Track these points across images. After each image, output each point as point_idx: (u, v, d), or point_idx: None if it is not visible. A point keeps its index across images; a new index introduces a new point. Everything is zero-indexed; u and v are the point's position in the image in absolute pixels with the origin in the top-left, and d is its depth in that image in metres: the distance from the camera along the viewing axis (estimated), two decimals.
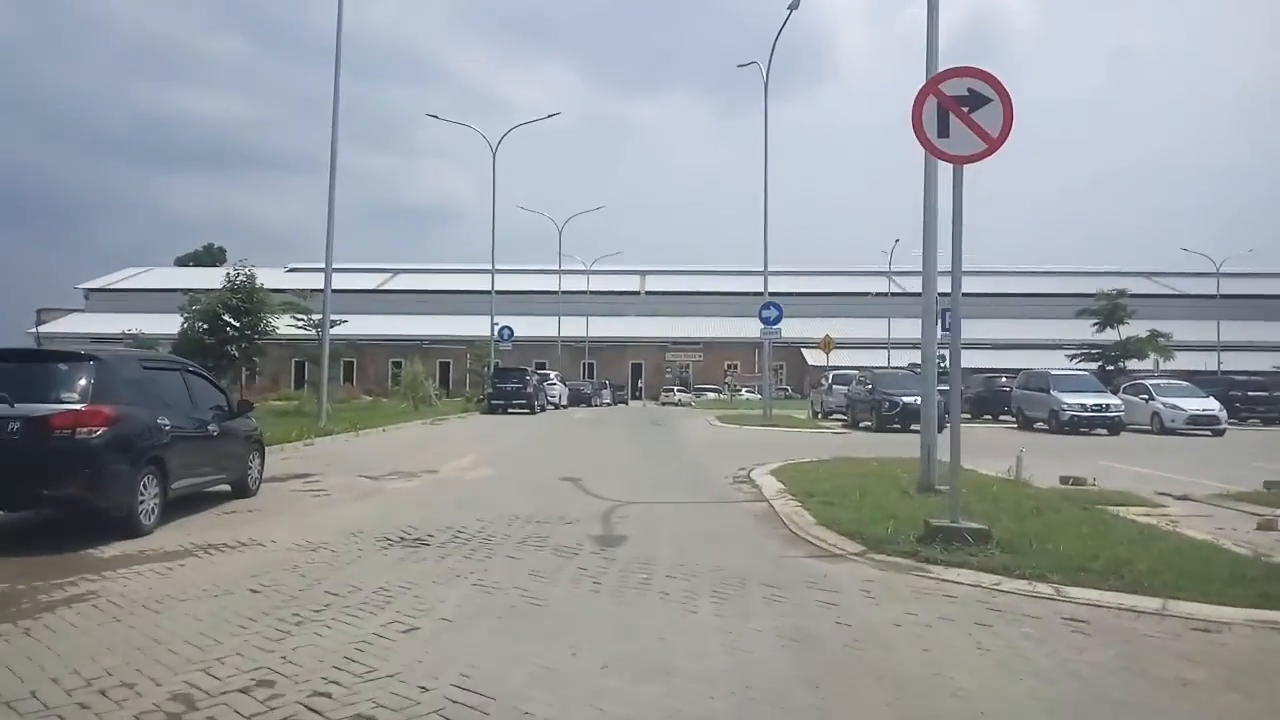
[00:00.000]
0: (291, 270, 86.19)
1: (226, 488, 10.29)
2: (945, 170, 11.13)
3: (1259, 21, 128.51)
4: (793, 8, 27.96)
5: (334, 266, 77.39)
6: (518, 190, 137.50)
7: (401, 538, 7.90)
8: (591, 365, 70.87)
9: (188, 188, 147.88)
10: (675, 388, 64.34)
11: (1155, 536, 7.51)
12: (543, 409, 36.73)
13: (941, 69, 7.90)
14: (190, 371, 9.61)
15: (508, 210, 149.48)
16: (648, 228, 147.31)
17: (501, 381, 34.88)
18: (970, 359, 34.44)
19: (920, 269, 11.10)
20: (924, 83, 7.58)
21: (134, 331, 54.50)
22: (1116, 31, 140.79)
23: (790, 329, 73.17)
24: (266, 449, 16.22)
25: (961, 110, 7.38)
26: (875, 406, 24.16)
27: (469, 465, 14.33)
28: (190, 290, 55.25)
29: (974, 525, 7.14)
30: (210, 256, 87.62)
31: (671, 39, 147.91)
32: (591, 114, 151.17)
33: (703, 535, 8.11)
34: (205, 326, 19.76)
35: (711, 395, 64.30)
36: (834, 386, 30.50)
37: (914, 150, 8.46)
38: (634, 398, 69.62)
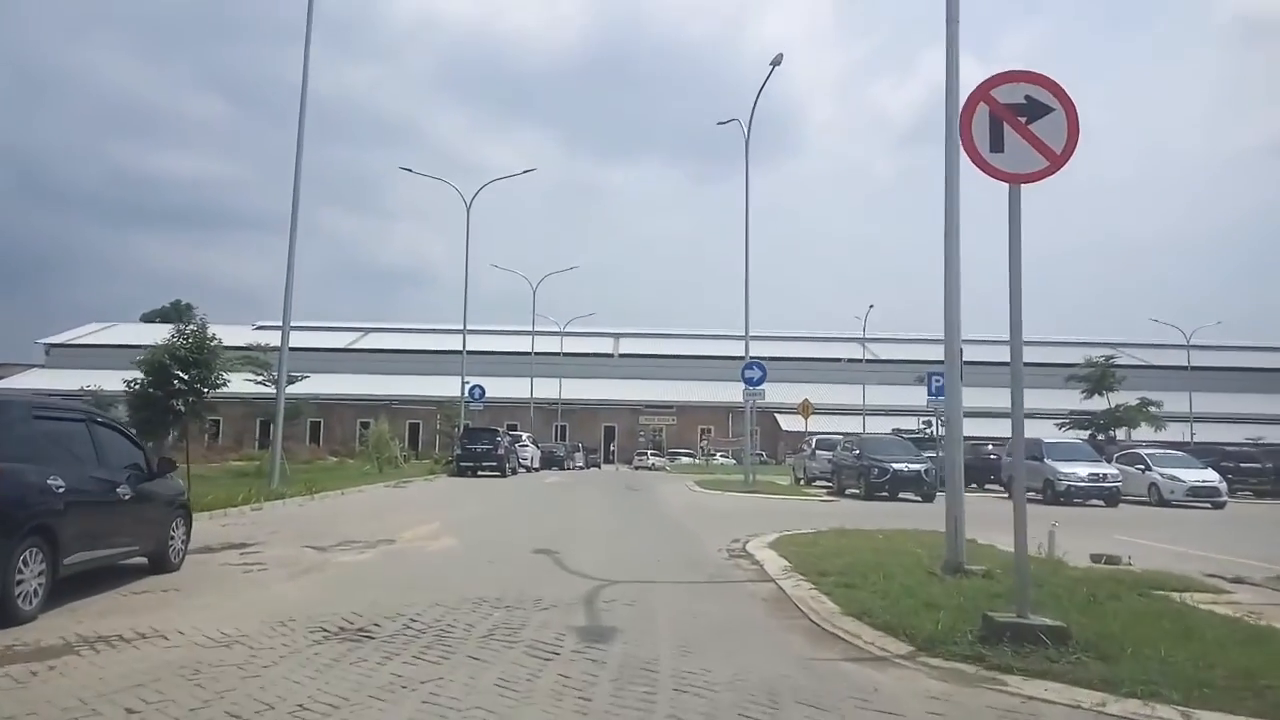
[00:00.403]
0: (260, 328, 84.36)
1: (143, 560, 8.72)
2: (975, 198, 10.03)
3: (1207, 105, 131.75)
4: (775, 64, 27.32)
5: (303, 324, 75.28)
6: (491, 252, 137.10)
7: (341, 629, 6.40)
8: (564, 428, 69.20)
9: (162, 246, 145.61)
10: (649, 451, 62.76)
11: (1259, 636, 6.16)
12: (514, 472, 35.02)
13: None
14: (98, 423, 8.07)
15: (481, 273, 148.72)
16: (621, 292, 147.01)
17: (471, 442, 33.13)
18: (971, 428, 33.24)
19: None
20: (974, 87, 6.39)
21: (92, 388, 52.43)
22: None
23: (765, 393, 72.33)
24: (210, 513, 14.63)
25: (1018, 120, 6.22)
26: (863, 473, 22.84)
27: (430, 534, 12.75)
28: (153, 346, 53.48)
29: (1047, 621, 5.76)
30: (177, 313, 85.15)
31: (646, 109, 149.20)
32: (566, 180, 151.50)
33: (708, 627, 6.65)
34: (151, 379, 18.10)
35: (685, 460, 62.78)
36: (817, 452, 29.17)
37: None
38: (607, 461, 67.95)
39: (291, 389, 28.70)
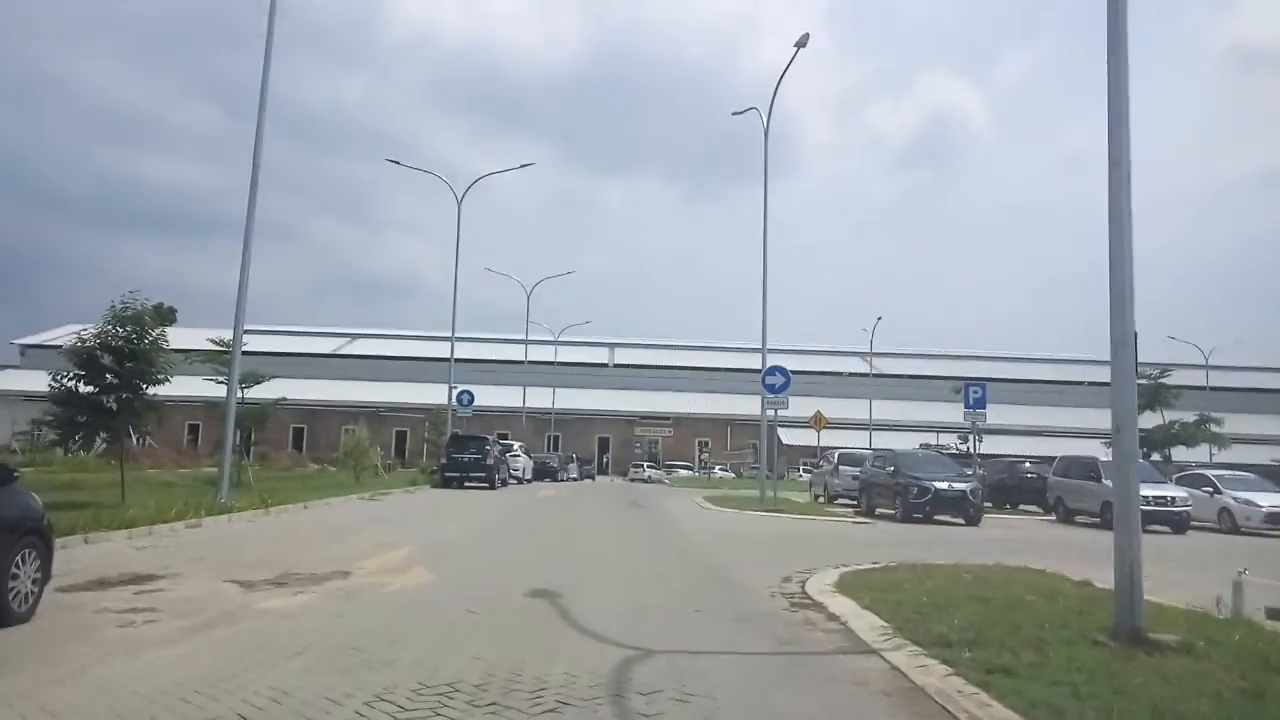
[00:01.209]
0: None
1: None
2: (1145, 133, 7.39)
3: (1200, 135, 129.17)
4: (800, 45, 24.86)
5: (287, 329, 73.18)
6: (485, 262, 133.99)
7: None
8: (557, 438, 66.45)
9: (149, 252, 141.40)
10: (645, 463, 60.05)
11: None
12: (504, 484, 32.11)
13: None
14: None
15: (474, 282, 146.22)
16: (617, 305, 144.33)
17: (457, 451, 30.04)
18: (988, 445, 30.43)
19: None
20: None
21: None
22: (1066, 137, 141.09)
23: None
24: (130, 532, 11.92)
25: None
26: (900, 493, 20.12)
27: (398, 565, 10.03)
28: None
29: None
30: (160, 316, 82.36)
31: (642, 127, 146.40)
32: (561, 194, 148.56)
33: None
34: (81, 374, 15.39)
35: (683, 472, 60.16)
36: (841, 468, 26.42)
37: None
38: (601, 473, 65.31)
39: (259, 391, 26.02)
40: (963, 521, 19.56)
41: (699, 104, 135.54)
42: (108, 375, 15.26)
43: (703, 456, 64.43)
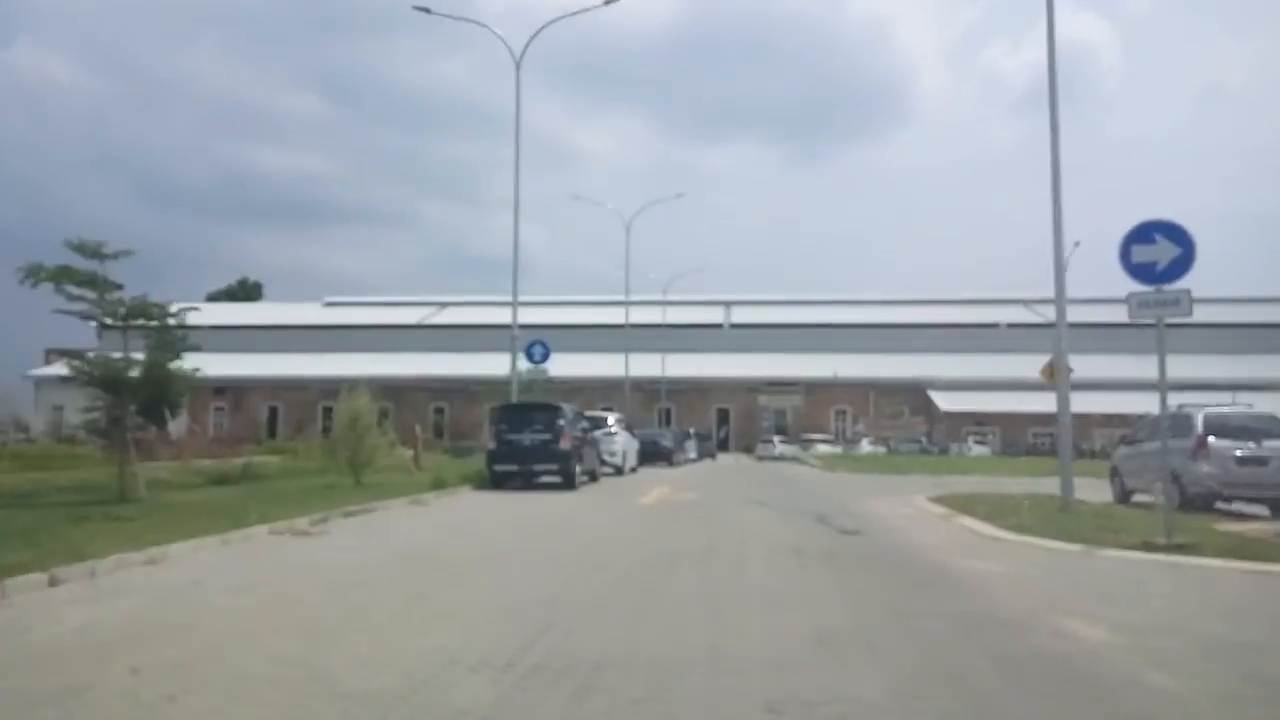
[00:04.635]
0: (329, 304, 73.37)
1: None
2: None
3: None
4: None
5: (368, 300, 62.28)
6: (582, 241, 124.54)
7: None
8: (669, 410, 55.35)
9: (256, 238, 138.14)
10: (775, 438, 48.51)
11: None
12: (591, 477, 20.35)
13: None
14: None
15: (573, 258, 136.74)
16: (726, 273, 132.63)
17: (513, 429, 18.11)
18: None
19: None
20: None
21: None
22: (1206, 70, 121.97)
23: (912, 365, 56.93)
24: None
25: None
26: None
27: None
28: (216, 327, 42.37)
29: None
30: (245, 291, 75.10)
31: (739, 89, 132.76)
32: (658, 162, 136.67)
33: None
34: None
35: (824, 447, 48.41)
36: (1212, 442, 13.80)
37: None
38: (720, 448, 53.99)
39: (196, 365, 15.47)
40: None
41: (800, 61, 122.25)
42: None
43: (855, 428, 52.28)
